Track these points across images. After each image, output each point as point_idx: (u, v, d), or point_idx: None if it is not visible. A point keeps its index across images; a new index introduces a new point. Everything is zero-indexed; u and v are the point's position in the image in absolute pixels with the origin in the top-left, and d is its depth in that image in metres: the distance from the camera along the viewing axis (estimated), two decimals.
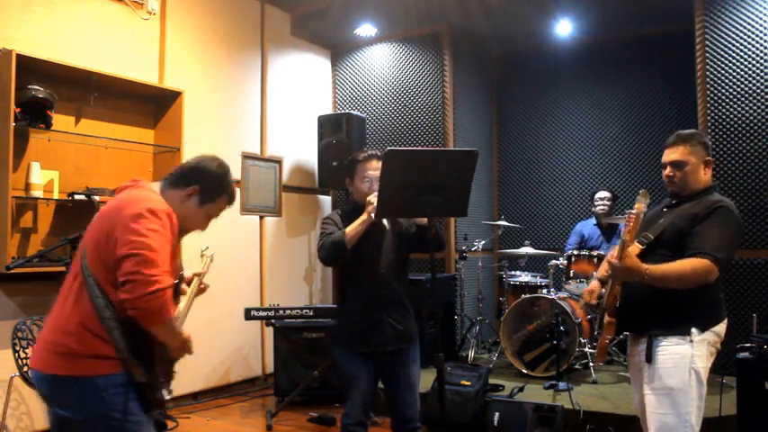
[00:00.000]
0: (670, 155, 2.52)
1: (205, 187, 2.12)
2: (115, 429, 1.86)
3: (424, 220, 2.79)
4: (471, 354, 5.36)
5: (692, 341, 2.33)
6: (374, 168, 2.85)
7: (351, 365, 2.84)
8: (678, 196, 2.53)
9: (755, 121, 4.66)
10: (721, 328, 2.42)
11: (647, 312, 2.42)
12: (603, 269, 2.59)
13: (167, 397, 2.03)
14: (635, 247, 2.43)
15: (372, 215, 2.69)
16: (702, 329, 2.35)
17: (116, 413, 1.86)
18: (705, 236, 2.33)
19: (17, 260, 3.65)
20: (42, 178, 3.88)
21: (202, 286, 2.31)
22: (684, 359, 2.32)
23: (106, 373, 1.86)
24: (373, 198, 2.70)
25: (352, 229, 2.74)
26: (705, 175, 2.52)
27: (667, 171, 2.53)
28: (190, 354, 2.09)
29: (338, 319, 2.98)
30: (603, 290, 2.55)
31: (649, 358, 2.37)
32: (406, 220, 2.95)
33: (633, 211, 2.41)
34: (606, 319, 2.49)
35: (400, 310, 2.87)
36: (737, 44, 4.73)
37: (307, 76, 6.27)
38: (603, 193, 5.56)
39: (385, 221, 2.83)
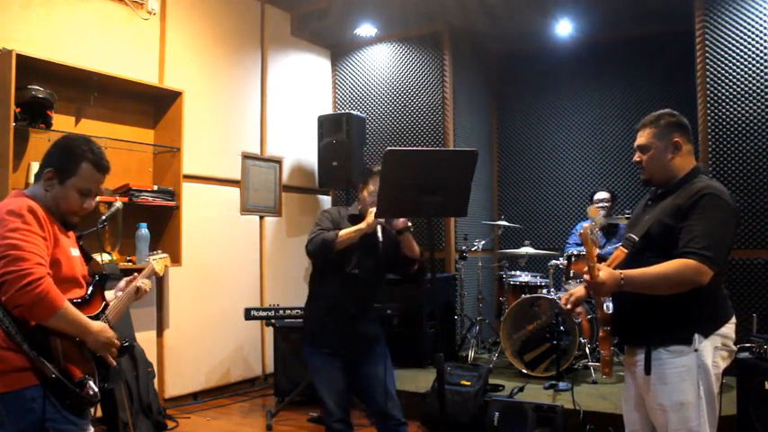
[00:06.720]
0: (638, 139, 2.36)
1: (58, 165, 2.08)
2: None
3: (400, 224, 2.83)
4: (471, 354, 5.36)
5: (696, 350, 2.10)
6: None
7: (318, 363, 2.88)
8: (650, 183, 2.36)
9: (755, 121, 4.66)
10: (728, 328, 2.19)
11: (643, 320, 2.21)
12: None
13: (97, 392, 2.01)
14: (620, 251, 2.26)
15: (368, 227, 2.74)
16: (706, 334, 2.12)
17: (50, 421, 1.88)
18: (691, 232, 2.09)
19: None
20: None
21: (141, 286, 2.30)
22: (691, 371, 2.10)
23: (33, 384, 1.87)
24: (373, 216, 2.75)
25: (346, 233, 2.79)
26: (681, 159, 2.28)
27: (635, 156, 2.36)
28: (115, 349, 2.09)
29: (305, 316, 3.02)
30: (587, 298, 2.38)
31: (648, 370, 2.16)
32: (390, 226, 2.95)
33: (581, 231, 2.24)
34: (600, 333, 2.36)
35: (366, 313, 2.92)
36: (737, 44, 4.73)
37: (307, 76, 6.27)
38: (603, 194, 5.54)
39: (379, 233, 2.77)
